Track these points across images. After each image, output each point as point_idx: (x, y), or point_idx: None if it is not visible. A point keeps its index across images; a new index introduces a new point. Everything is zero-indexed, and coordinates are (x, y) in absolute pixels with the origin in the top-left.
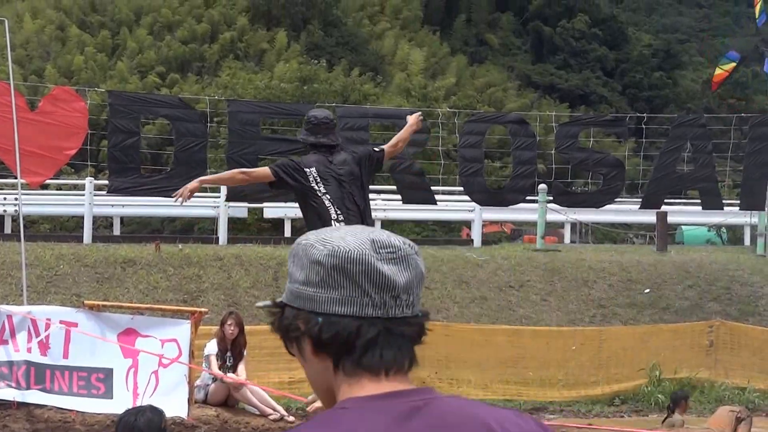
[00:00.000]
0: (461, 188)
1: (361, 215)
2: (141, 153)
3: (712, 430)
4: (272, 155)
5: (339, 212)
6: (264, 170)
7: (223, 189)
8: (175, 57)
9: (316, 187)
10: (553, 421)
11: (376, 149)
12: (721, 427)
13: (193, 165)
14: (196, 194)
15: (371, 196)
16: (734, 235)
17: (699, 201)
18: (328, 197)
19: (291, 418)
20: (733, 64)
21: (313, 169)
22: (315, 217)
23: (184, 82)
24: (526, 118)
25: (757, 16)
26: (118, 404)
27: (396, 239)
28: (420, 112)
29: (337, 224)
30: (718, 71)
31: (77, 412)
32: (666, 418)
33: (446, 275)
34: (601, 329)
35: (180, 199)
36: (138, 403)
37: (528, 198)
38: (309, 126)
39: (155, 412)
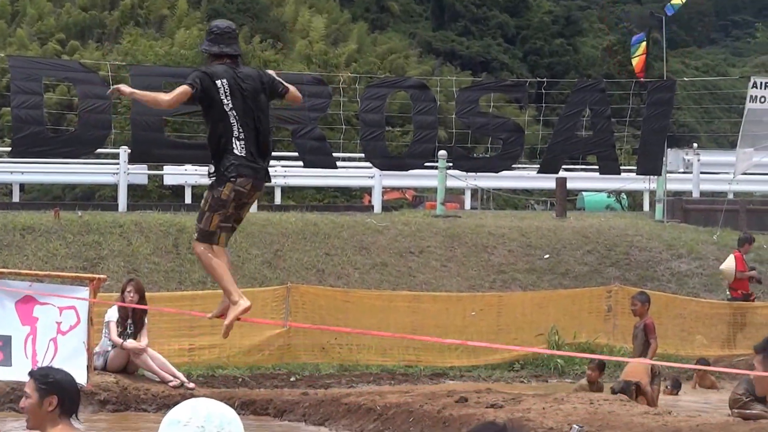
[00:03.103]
0: (362, 155)
1: (257, 134)
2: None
3: (629, 380)
4: (176, 116)
5: (241, 130)
6: (183, 88)
7: (123, 154)
8: (75, 24)
9: (225, 101)
10: (454, 387)
11: (280, 86)
12: (637, 377)
13: (98, 126)
14: (96, 161)
15: (272, 162)
16: (634, 201)
17: (598, 167)
18: (234, 113)
19: (191, 385)
20: (644, 42)
21: (225, 81)
22: (216, 134)
23: (85, 49)
24: (427, 84)
25: (672, 2)
26: (16, 371)
27: None
28: None
29: (238, 143)
30: (635, 61)
31: None
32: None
33: (346, 241)
34: (500, 295)
35: (111, 93)
36: None
37: (429, 164)
38: (211, 36)
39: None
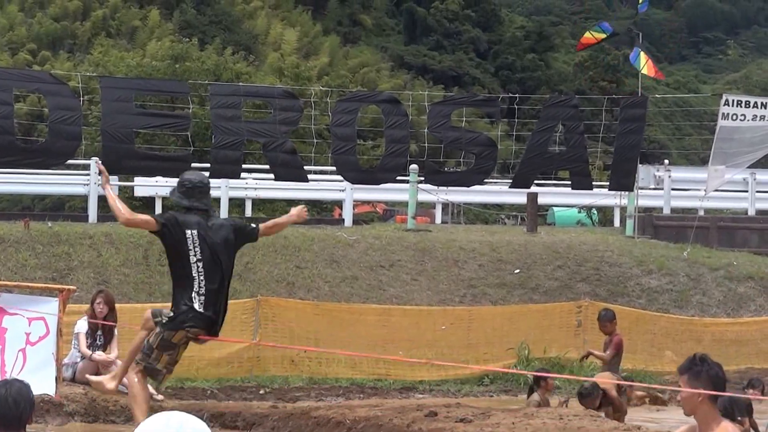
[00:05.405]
0: (333, 168)
1: (220, 288)
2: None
3: (598, 386)
4: (147, 129)
5: (203, 285)
6: (148, 218)
7: (93, 166)
8: (46, 34)
9: (191, 252)
10: (422, 401)
11: (253, 225)
12: (607, 383)
13: (69, 137)
14: (67, 172)
15: (243, 174)
16: (604, 216)
17: (569, 182)
18: (199, 266)
19: (160, 397)
20: (604, 35)
21: (194, 232)
22: (177, 279)
23: (56, 59)
24: (399, 98)
25: (641, 1)
26: None
27: None
28: (305, 207)
29: (199, 298)
30: (587, 35)
31: None
32: (529, 396)
33: (317, 254)
34: (470, 309)
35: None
36: None
37: (400, 178)
38: (183, 189)
39: (22, 383)
